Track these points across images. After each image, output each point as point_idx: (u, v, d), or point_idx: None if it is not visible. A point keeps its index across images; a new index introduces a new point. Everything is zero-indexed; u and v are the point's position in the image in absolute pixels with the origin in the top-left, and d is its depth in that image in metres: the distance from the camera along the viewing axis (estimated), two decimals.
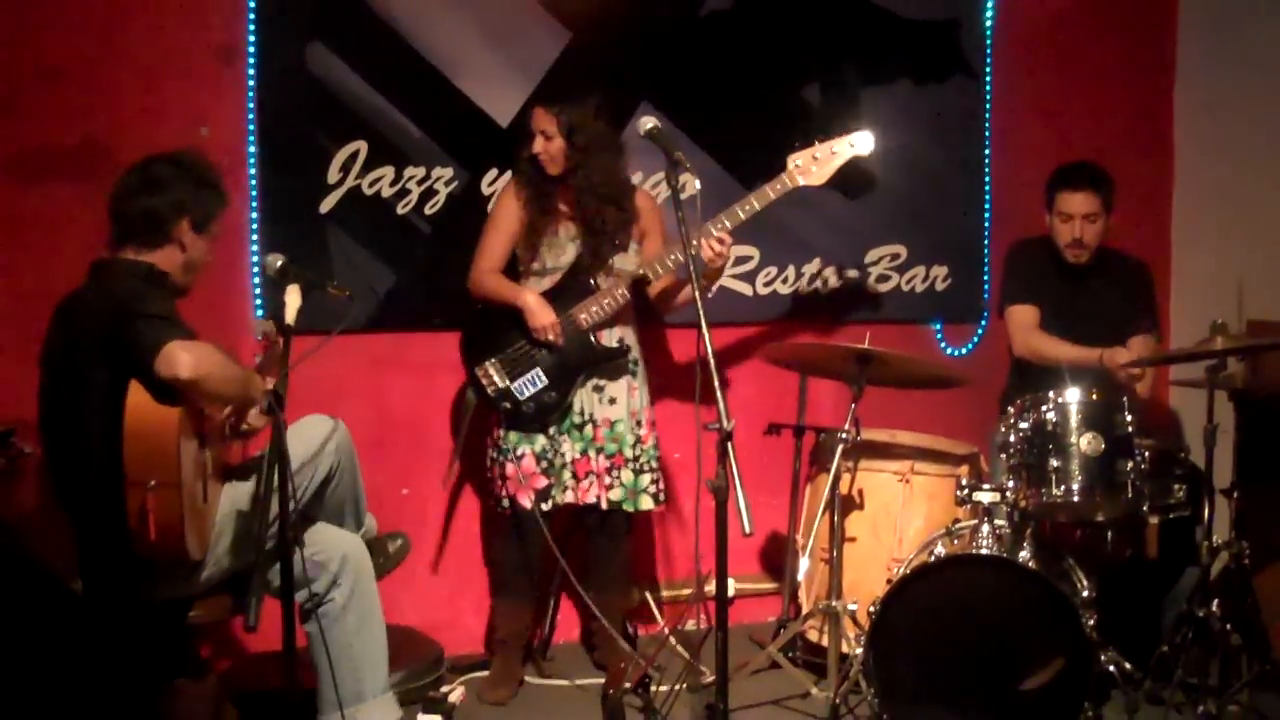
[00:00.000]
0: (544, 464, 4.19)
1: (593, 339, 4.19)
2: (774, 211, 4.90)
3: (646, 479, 4.28)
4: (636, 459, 4.26)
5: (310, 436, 3.50)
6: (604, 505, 4.23)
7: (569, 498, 4.21)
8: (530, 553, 4.28)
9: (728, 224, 4.08)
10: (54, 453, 3.30)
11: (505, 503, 4.21)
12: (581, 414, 4.23)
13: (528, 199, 4.22)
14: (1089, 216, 4.44)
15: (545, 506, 4.16)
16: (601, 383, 4.24)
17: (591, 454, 4.22)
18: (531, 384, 4.17)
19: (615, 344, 4.24)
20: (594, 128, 4.13)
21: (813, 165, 4.15)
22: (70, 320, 3.25)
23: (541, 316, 4.12)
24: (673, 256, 4.13)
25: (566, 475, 4.20)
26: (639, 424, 4.28)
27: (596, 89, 4.20)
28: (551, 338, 4.12)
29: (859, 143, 4.18)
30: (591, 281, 4.18)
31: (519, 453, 4.18)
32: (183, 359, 2.98)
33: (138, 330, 3.04)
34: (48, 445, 3.32)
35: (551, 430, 4.20)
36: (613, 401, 4.25)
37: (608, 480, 4.24)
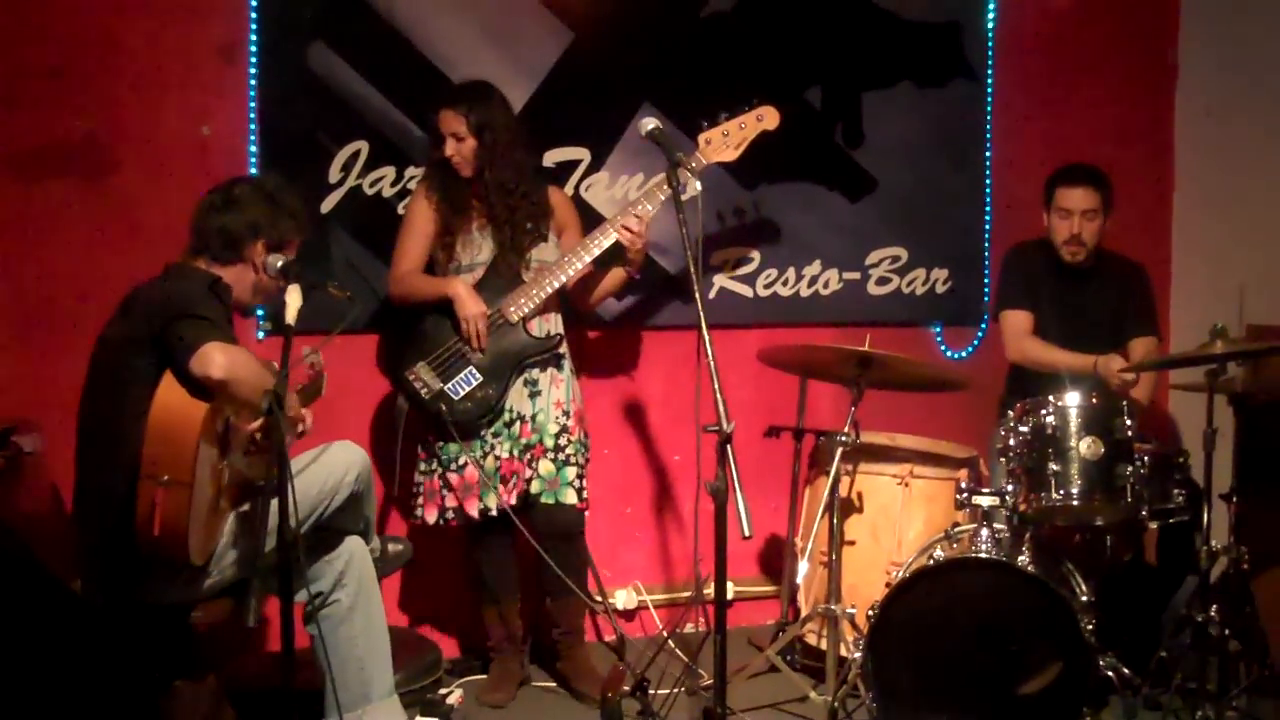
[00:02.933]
0: (482, 471, 4.14)
1: (524, 330, 4.16)
2: (775, 213, 4.94)
3: (571, 472, 4.18)
4: (560, 449, 4.18)
5: (336, 467, 3.51)
6: (514, 501, 4.12)
7: (491, 502, 4.12)
8: (499, 556, 4.26)
9: (649, 208, 4.11)
10: (84, 438, 3.35)
11: (450, 514, 4.16)
12: (510, 411, 4.18)
13: (439, 201, 4.19)
14: (1087, 213, 4.45)
15: (473, 513, 4.12)
16: (533, 376, 4.20)
17: (516, 453, 4.16)
18: (466, 382, 4.11)
19: (544, 335, 4.21)
20: (501, 123, 4.13)
21: (723, 142, 4.18)
22: (129, 310, 3.33)
23: (471, 305, 4.07)
24: (597, 242, 4.12)
25: (495, 480, 4.14)
26: (565, 414, 4.21)
27: (493, 85, 4.21)
28: (481, 327, 4.07)
29: (765, 117, 4.23)
30: (516, 274, 4.15)
31: (460, 463, 4.14)
32: (217, 359, 3.06)
33: (182, 326, 3.13)
34: (80, 430, 3.36)
35: (485, 434, 4.15)
36: (535, 394, 4.20)
37: (527, 473, 4.16)
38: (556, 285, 4.14)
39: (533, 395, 4.19)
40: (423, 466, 4.23)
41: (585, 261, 4.15)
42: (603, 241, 4.13)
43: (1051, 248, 4.56)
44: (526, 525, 4.18)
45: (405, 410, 4.19)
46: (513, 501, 4.14)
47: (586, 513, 4.29)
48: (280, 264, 3.33)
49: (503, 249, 4.15)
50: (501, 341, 4.14)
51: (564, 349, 4.27)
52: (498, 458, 4.14)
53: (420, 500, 4.22)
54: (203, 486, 3.15)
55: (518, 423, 4.17)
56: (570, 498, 4.18)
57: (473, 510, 4.13)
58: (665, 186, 4.04)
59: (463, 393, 4.11)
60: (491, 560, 4.27)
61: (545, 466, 4.16)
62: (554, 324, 4.26)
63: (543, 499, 4.17)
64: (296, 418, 3.48)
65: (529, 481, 4.15)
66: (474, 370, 4.11)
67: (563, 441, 4.19)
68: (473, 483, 4.13)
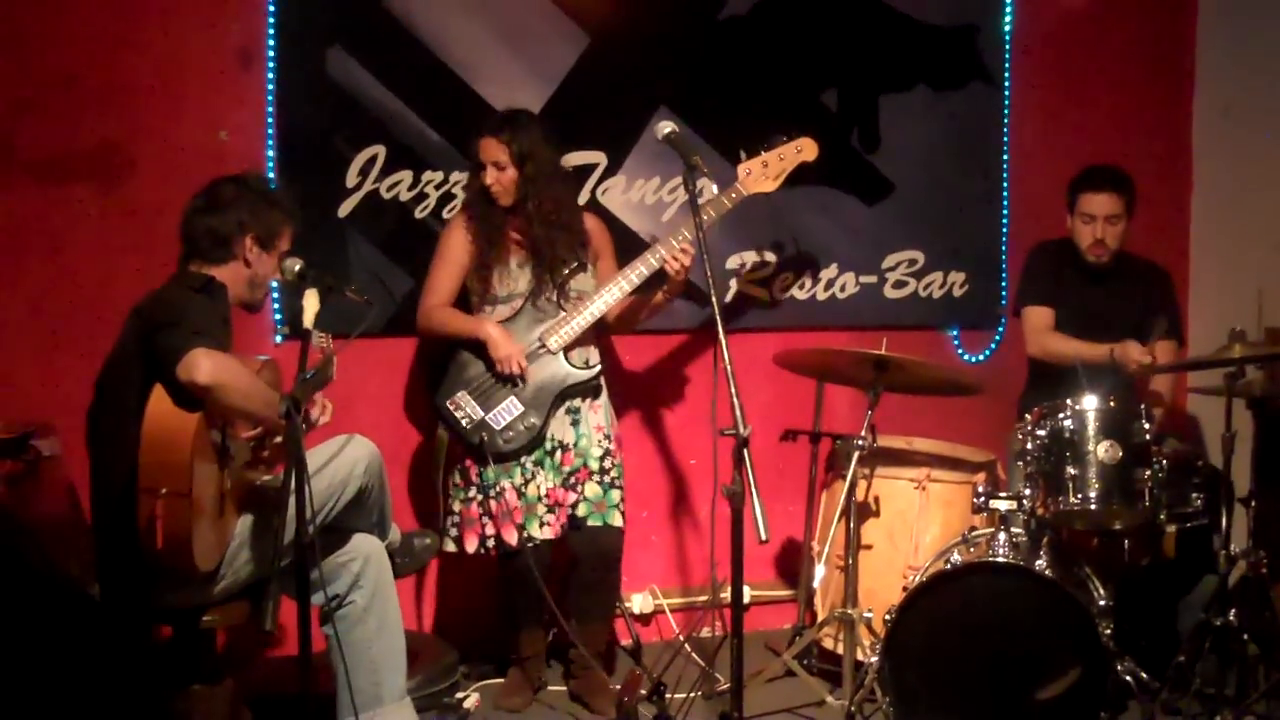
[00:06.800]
0: (522, 498, 4.09)
1: (565, 360, 4.13)
2: (791, 217, 4.93)
3: (616, 495, 4.16)
4: (605, 471, 4.15)
5: (345, 461, 3.50)
6: (559, 531, 4.10)
7: (545, 534, 4.09)
8: (531, 580, 4.18)
9: (688, 235, 4.07)
10: (92, 450, 3.36)
11: (490, 542, 4.11)
12: (552, 440, 4.13)
13: (477, 232, 4.14)
14: (1111, 218, 4.45)
15: (512, 541, 4.07)
16: (575, 404, 4.17)
17: (559, 481, 4.12)
18: (508, 412, 4.06)
19: (583, 363, 4.18)
20: (543, 153, 4.10)
21: (763, 173, 4.19)
22: (131, 319, 3.34)
23: (505, 347, 4.03)
24: (638, 271, 4.09)
25: (541, 509, 4.09)
26: (606, 438, 4.19)
27: (536, 115, 4.21)
28: (516, 369, 4.02)
29: (804, 149, 4.24)
30: (556, 304, 4.13)
31: (500, 488, 4.08)
32: (203, 365, 3.03)
33: (168, 333, 3.11)
34: (88, 441, 3.37)
35: (526, 461, 4.10)
36: (576, 422, 4.17)
37: (572, 498, 4.13)
38: (598, 314, 4.11)
39: (574, 423, 4.17)
40: (460, 495, 4.17)
41: (625, 291, 4.11)
42: (643, 270, 4.10)
43: (1074, 248, 4.56)
44: (567, 550, 4.18)
45: (446, 440, 4.16)
46: (558, 531, 4.12)
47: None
48: (297, 268, 3.32)
49: (541, 280, 4.12)
50: (543, 371, 4.10)
51: (599, 382, 4.25)
52: (539, 486, 4.11)
53: (458, 529, 4.17)
54: (203, 495, 3.14)
55: (559, 451, 4.14)
56: (616, 520, 4.17)
57: (511, 538, 4.07)
58: (708, 210, 4.05)
59: (504, 423, 4.06)
60: (522, 588, 4.16)
61: (592, 489, 4.14)
62: (592, 354, 4.23)
63: (590, 521, 4.14)
64: (309, 410, 3.47)
65: (574, 506, 4.14)
66: (515, 400, 4.07)
67: (607, 464, 4.17)
68: (510, 509, 4.09)
